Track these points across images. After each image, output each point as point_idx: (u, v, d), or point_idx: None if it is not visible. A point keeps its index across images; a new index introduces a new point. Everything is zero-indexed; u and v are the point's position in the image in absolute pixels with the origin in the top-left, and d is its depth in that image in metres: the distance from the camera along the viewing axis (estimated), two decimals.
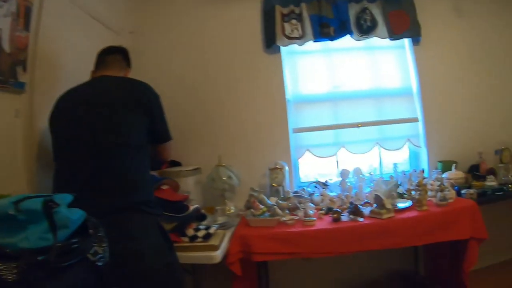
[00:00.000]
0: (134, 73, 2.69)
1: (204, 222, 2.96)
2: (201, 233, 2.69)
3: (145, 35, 4.02)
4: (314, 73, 4.20)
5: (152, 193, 2.31)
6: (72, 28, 2.94)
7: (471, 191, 3.43)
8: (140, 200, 2.12)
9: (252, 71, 4.07)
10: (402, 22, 4.12)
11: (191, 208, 2.85)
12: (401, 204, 3.22)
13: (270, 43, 3.98)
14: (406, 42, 4.31)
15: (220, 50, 4.07)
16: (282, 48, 4.09)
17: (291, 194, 3.48)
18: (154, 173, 3.00)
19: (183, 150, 3.79)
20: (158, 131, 2.38)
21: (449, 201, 3.21)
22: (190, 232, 2.70)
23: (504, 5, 4.46)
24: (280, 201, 3.30)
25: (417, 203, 3.15)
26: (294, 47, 4.06)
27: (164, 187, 2.88)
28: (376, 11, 4.10)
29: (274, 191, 3.66)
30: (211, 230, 2.74)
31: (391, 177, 3.67)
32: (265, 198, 3.33)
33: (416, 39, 4.23)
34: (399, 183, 3.59)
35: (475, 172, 3.98)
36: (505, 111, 4.37)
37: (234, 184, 3.56)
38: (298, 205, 3.29)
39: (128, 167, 2.13)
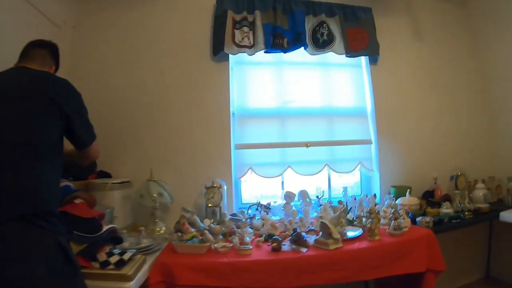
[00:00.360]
0: (71, 70, 2.61)
1: (126, 245, 2.50)
2: (114, 259, 2.16)
3: (89, 32, 3.53)
4: (263, 86, 3.79)
5: (55, 205, 1.87)
6: (6, 14, 2.56)
7: (427, 219, 3.15)
8: (35, 211, 1.66)
9: (196, 78, 3.61)
10: (361, 39, 3.88)
11: (105, 228, 2.32)
12: (351, 233, 2.85)
13: (218, 49, 3.54)
14: (363, 60, 4.07)
15: (164, 53, 3.60)
16: (231, 57, 3.69)
17: (228, 217, 3.00)
18: (71, 183, 2.52)
19: (113, 159, 3.34)
20: (77, 133, 2.01)
21: (404, 230, 2.89)
22: (102, 256, 2.17)
23: (464, 33, 4.45)
24: (213, 225, 2.81)
25: (369, 232, 2.78)
26: (244, 56, 3.67)
27: (77, 200, 2.33)
28: (334, 26, 3.82)
29: (210, 213, 3.20)
30: (126, 256, 2.21)
31: (340, 202, 3.26)
32: (198, 220, 2.86)
33: (373, 58, 4.00)
34: (348, 208, 3.20)
35: (429, 198, 3.75)
36: (460, 137, 4.24)
37: (165, 202, 3.09)
38: (235, 229, 2.84)
39: (25, 170, 1.73)
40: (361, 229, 2.91)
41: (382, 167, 3.90)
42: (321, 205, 3.31)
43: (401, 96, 4.07)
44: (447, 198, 3.69)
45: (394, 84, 4.05)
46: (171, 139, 3.51)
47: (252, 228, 3.01)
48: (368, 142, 3.90)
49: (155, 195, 3.04)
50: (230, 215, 3.08)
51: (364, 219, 3.04)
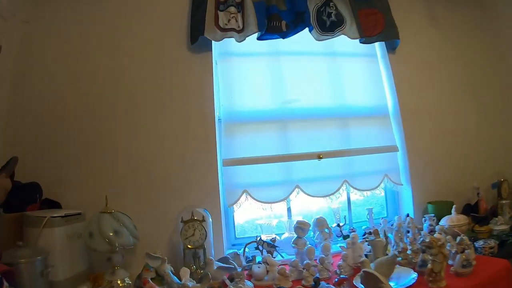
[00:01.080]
0: (17, 71, 2.28)
1: None
2: None
3: (43, 29, 2.55)
4: (257, 83, 2.77)
5: None
6: None
7: (491, 243, 2.24)
8: None
9: (168, 76, 2.62)
10: (375, 22, 2.94)
11: None
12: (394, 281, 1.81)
13: (196, 35, 2.55)
14: (378, 49, 3.10)
15: (130, 46, 2.61)
16: (214, 47, 2.71)
17: (215, 265, 1.92)
18: None
19: (64, 184, 2.39)
20: None
21: (473, 264, 1.94)
22: None
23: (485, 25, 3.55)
24: (191, 283, 1.72)
25: (430, 276, 1.77)
26: (231, 45, 2.70)
27: None
28: (343, 6, 2.89)
29: (190, 256, 2.14)
30: None
31: (375, 231, 2.18)
32: (170, 271, 1.81)
33: (391, 46, 3.06)
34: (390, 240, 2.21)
35: (472, 213, 2.86)
36: (500, 136, 3.31)
37: (124, 243, 2.01)
38: (227, 283, 1.78)
39: None
40: (412, 270, 1.88)
41: (414, 179, 2.89)
42: (344, 237, 2.28)
43: (430, 91, 3.11)
44: (494, 211, 2.85)
45: (420, 77, 3.11)
46: (137, 156, 2.49)
47: (251, 279, 1.98)
48: (394, 149, 2.89)
49: (111, 234, 1.99)
50: (219, 260, 2.03)
51: (409, 252, 2.10)
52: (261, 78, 2.78)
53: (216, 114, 2.66)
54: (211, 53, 2.70)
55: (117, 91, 2.57)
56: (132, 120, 2.53)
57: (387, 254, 2.04)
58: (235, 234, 2.73)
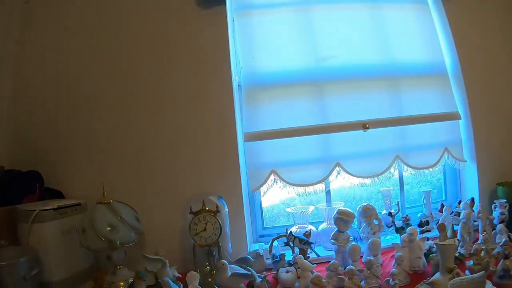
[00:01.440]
0: (17, 57, 2.14)
1: None
2: None
3: (43, 8, 2.28)
4: (284, 39, 2.27)
5: None
6: None
7: None
8: None
9: (175, 39, 2.23)
10: None
11: None
12: None
13: None
14: None
15: (129, 10, 2.26)
16: (230, 0, 2.25)
17: (230, 269, 1.48)
18: None
19: (66, 171, 2.19)
20: None
21: None
22: None
23: None
24: None
25: None
26: None
27: None
28: None
29: (204, 255, 1.72)
30: None
31: (442, 226, 1.67)
32: (169, 280, 1.43)
33: None
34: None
35: None
36: None
37: (123, 239, 1.65)
38: None
39: None
40: (490, 283, 1.39)
41: (480, 154, 2.33)
42: (397, 229, 1.80)
43: (499, 44, 2.50)
44: None
45: (485, 27, 2.50)
46: (142, 135, 2.18)
47: (277, 286, 1.57)
48: (455, 116, 2.33)
49: (108, 228, 1.65)
50: (237, 261, 1.60)
51: (483, 253, 1.56)
52: (288, 33, 2.28)
53: (235, 79, 2.20)
54: (225, 7, 2.25)
55: (120, 63, 2.23)
56: (135, 93, 2.19)
57: (455, 257, 1.55)
58: (263, 223, 2.30)
